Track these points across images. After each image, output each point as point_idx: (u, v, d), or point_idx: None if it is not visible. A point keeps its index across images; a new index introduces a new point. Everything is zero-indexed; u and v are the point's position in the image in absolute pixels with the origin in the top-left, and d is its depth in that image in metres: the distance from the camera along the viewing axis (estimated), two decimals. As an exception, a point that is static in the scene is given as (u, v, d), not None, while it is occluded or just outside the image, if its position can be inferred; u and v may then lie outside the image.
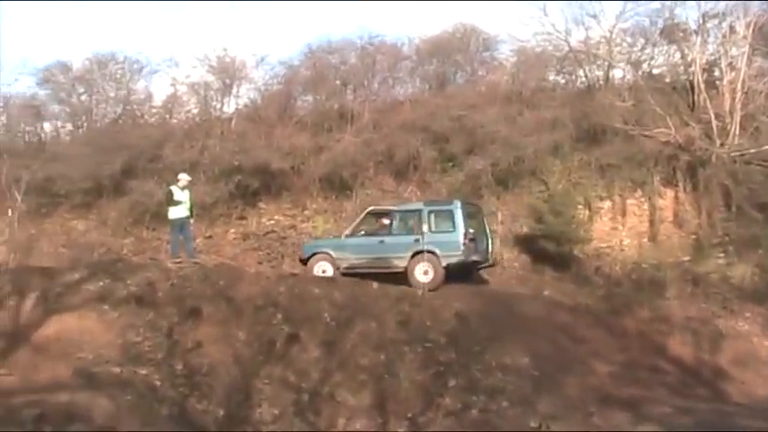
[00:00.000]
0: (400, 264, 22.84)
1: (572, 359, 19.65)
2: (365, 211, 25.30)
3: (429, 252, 22.42)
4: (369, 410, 16.78)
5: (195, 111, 35.26)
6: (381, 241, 23.63)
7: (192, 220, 23.68)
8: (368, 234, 24.29)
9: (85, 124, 35.50)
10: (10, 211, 30.66)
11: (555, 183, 29.78)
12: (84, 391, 16.10)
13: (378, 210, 25.40)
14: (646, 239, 28.29)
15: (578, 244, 27.45)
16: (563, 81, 34.16)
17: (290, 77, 35.08)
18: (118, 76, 35.21)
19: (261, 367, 17.44)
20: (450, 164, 30.93)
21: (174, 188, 23.27)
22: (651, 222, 28.59)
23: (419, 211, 23.67)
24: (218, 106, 35.05)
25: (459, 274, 23.09)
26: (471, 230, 23.02)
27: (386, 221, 24.50)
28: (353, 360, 17.87)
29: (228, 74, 34.27)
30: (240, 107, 35.08)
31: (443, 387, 17.40)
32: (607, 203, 29.26)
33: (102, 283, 19.26)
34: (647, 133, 28.37)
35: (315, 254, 24.04)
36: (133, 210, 30.42)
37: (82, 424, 15.25)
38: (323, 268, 23.54)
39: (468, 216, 23.26)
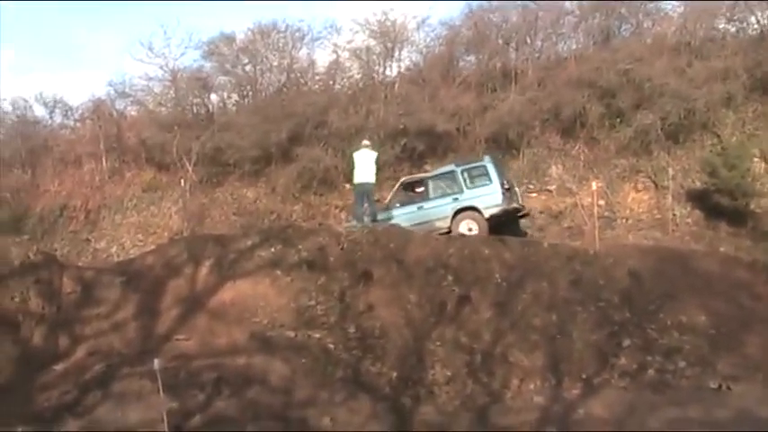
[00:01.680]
0: (443, 225, 23.12)
1: (751, 317, 18.63)
2: (399, 183, 25.61)
3: (471, 208, 22.95)
4: (542, 371, 16.60)
5: (358, 76, 35.25)
6: (420, 207, 23.90)
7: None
8: (404, 204, 24.45)
9: (251, 94, 35.91)
10: (182, 182, 31.51)
11: (728, 135, 28.70)
12: (259, 355, 16.48)
13: (411, 179, 25.73)
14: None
15: (755, 198, 26.34)
16: (733, 29, 32.60)
17: (451, 38, 34.63)
18: (280, 45, 35.37)
19: (433, 329, 17.43)
20: (618, 119, 29.93)
21: (356, 154, 23.70)
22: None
23: (452, 172, 24.13)
24: (381, 70, 34.91)
25: (501, 223, 23.44)
26: (506, 181, 23.66)
27: (420, 189, 24.70)
28: (525, 320, 17.69)
29: (390, 37, 34.11)
30: (403, 70, 34.90)
31: (618, 347, 17.11)
32: (785, 154, 27.81)
33: (274, 249, 19.51)
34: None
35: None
36: (301, 176, 30.72)
37: (259, 386, 15.62)
38: None
39: (500, 170, 23.88)
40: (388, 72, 34.85)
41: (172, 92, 35.87)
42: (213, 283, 18.84)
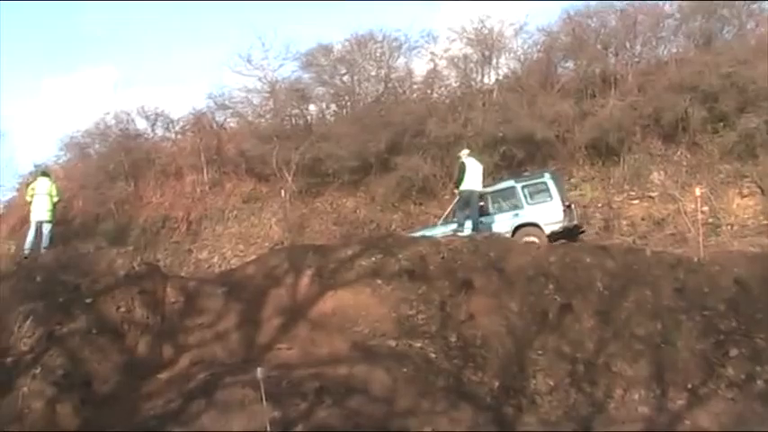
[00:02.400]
0: None
1: None
2: (457, 198, 25.06)
3: (532, 224, 23.41)
4: (646, 381, 16.30)
5: (456, 84, 35.22)
6: (480, 222, 23.81)
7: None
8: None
9: (349, 104, 36.15)
10: (282, 192, 31.93)
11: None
12: (361, 364, 16.45)
13: None
14: None
15: None
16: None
17: (549, 45, 34.39)
18: (377, 54, 35.53)
19: (534, 338, 17.26)
20: (721, 123, 29.40)
21: (467, 160, 23.89)
22: None
23: (512, 188, 24.53)
24: (479, 78, 34.86)
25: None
26: (566, 199, 24.14)
27: (480, 203, 24.47)
28: (629, 329, 17.37)
29: (487, 45, 34.03)
30: (501, 78, 34.77)
31: (725, 356, 16.66)
32: None
33: (374, 259, 19.55)
34: None
35: None
36: (400, 185, 30.84)
37: (360, 396, 15.60)
38: None
39: (560, 186, 24.35)
40: (485, 80, 34.83)
41: (271, 103, 36.29)
42: (314, 292, 18.95)
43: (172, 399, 16.13)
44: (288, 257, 20.62)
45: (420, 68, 35.91)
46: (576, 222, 24.39)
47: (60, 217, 33.40)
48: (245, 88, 36.45)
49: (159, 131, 39.16)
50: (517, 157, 30.49)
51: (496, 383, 16.16)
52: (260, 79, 35.87)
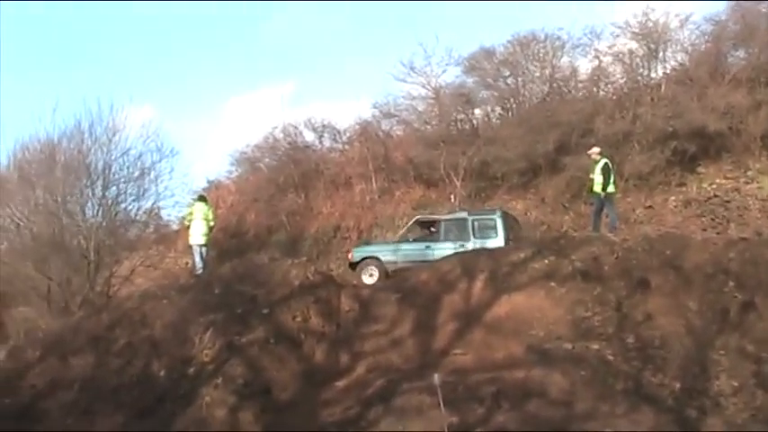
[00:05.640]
0: None
1: None
2: (413, 220, 27.25)
3: None
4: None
5: (622, 80, 34.63)
6: (428, 246, 24.93)
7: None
8: (416, 240, 25.87)
9: (514, 106, 36.05)
10: (452, 198, 32.17)
11: None
12: (538, 368, 16.45)
13: (425, 219, 27.07)
14: None
15: None
16: None
17: (717, 34, 33.32)
18: (541, 55, 35.26)
19: (715, 338, 16.78)
20: None
21: (608, 162, 23.72)
22: None
23: (464, 220, 25.19)
24: (645, 73, 34.13)
25: None
26: (511, 237, 24.58)
27: (433, 229, 26.11)
28: (817, 326, 16.71)
29: (653, 38, 33.32)
30: (668, 71, 33.96)
31: None
32: None
33: (547, 261, 19.49)
34: None
35: (364, 258, 25.24)
36: (570, 186, 30.55)
37: (538, 399, 15.60)
38: (370, 273, 24.69)
39: (507, 225, 24.95)
40: (652, 74, 34.04)
41: (436, 109, 36.57)
42: (488, 296, 19.05)
43: (350, 405, 16.54)
44: (460, 262, 20.77)
45: (584, 66, 35.55)
46: None
47: (234, 230, 34.82)
48: (409, 96, 36.91)
49: (327, 143, 40.32)
50: (689, 151, 29.79)
51: (677, 385, 15.83)
52: (424, 86, 36.31)
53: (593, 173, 23.83)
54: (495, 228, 24.65)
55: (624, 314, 17.64)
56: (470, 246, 24.09)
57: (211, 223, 25.24)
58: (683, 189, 29.75)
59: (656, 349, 16.68)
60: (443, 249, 24.26)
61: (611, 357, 16.60)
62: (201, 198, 26.53)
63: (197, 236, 24.65)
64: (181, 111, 69.13)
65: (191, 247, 25.18)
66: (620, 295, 18.06)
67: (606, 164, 23.66)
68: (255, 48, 77.29)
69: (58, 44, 77.62)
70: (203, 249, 24.69)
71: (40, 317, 24.79)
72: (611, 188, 23.63)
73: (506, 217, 25.78)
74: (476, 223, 24.95)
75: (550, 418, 15.06)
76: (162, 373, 17.92)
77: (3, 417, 17.44)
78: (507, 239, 24.31)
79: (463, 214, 25.85)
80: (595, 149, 24.39)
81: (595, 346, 16.88)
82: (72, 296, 24.77)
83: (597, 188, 23.51)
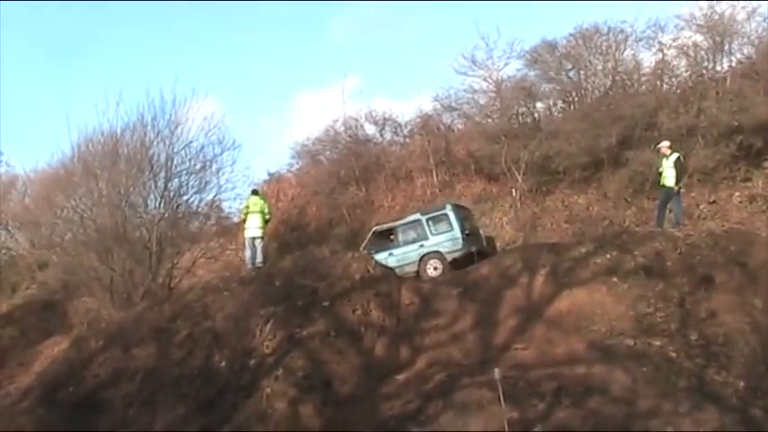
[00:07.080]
0: (411, 269, 25.71)
1: None
2: (371, 232, 28.16)
3: (435, 253, 25.84)
4: None
5: (686, 74, 34.02)
6: (391, 254, 26.24)
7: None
8: (378, 251, 26.10)
9: (576, 100, 35.66)
10: (513, 191, 32.01)
11: None
12: (599, 364, 16.34)
13: (382, 229, 28.07)
14: None
15: None
16: None
17: (787, 26, 32.71)
18: (603, 48, 34.82)
19: (782, 336, 16.54)
20: None
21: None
22: None
23: (418, 220, 26.84)
24: (710, 66, 33.55)
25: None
26: (467, 227, 26.42)
27: (392, 237, 27.29)
28: None
29: (718, 31, 32.73)
30: (734, 64, 33.36)
31: None
32: None
33: (609, 256, 19.38)
34: None
35: None
36: (633, 180, 30.16)
37: (599, 396, 15.49)
38: None
39: (460, 217, 26.57)
40: (717, 67, 33.43)
41: (497, 103, 36.31)
42: (549, 291, 18.99)
43: (410, 399, 16.58)
44: (521, 257, 20.76)
45: (648, 59, 35.05)
46: (476, 248, 25.87)
47: (295, 223, 34.97)
48: (470, 89, 36.70)
49: (388, 136, 40.33)
50: (755, 146, 29.19)
51: (742, 384, 15.63)
52: (485, 79, 36.10)
53: (661, 167, 23.58)
54: (449, 221, 26.18)
55: (687, 311, 17.48)
56: (430, 243, 25.94)
57: (267, 216, 25.44)
58: (749, 184, 29.15)
59: (719, 347, 16.49)
60: (404, 253, 26.22)
61: (673, 354, 16.44)
62: (255, 192, 26.89)
63: (252, 229, 25.04)
64: (249, 107, 70.03)
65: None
66: (683, 291, 17.91)
67: (679, 157, 23.58)
68: (323, 45, 77.77)
69: (130, 38, 78.81)
70: (257, 242, 24.92)
71: (103, 308, 25.24)
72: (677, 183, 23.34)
73: (458, 209, 27.25)
74: (430, 221, 26.52)
75: (612, 415, 14.94)
76: (223, 364, 18.15)
77: (67, 405, 17.77)
78: (463, 230, 26.02)
79: (416, 216, 27.38)
80: (665, 143, 24.20)
81: (658, 343, 16.72)
82: (134, 287, 25.16)
83: (670, 182, 23.36)
